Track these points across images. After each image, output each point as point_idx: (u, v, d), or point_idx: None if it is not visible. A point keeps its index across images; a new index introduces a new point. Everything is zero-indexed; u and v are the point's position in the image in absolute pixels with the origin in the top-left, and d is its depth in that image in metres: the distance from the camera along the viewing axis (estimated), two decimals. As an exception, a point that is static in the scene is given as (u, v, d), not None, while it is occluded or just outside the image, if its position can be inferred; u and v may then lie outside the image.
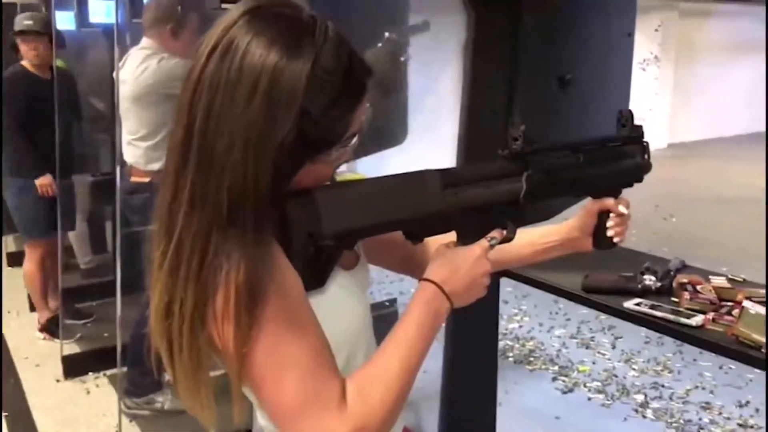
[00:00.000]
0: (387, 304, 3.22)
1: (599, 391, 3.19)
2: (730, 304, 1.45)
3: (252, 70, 0.76)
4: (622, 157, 1.10)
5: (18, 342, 3.61)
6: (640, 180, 1.14)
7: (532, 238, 1.15)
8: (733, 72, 10.22)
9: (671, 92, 9.79)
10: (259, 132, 0.76)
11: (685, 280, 1.54)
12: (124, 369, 2.86)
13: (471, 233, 0.93)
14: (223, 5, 1.99)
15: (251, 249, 0.76)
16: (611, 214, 1.11)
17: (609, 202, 1.10)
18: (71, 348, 3.46)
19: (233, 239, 0.76)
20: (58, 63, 3.58)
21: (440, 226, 0.92)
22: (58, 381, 3.26)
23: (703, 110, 10.14)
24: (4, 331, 3.59)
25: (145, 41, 2.87)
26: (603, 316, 3.68)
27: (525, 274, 1.70)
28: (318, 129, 0.78)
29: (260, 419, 0.96)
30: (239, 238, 0.76)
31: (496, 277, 1.76)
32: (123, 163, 2.87)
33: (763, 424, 2.90)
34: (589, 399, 3.14)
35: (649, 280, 1.57)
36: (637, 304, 1.50)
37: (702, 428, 2.89)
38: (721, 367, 3.29)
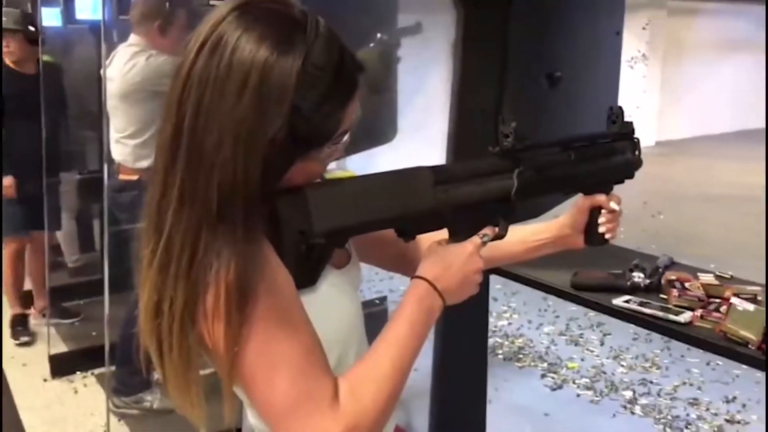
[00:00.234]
0: (377, 302, 3.22)
1: (588, 388, 3.21)
2: (718, 300, 1.45)
3: (242, 66, 0.75)
4: (613, 154, 1.10)
5: (4, 341, 3.58)
6: (631, 176, 1.14)
7: (524, 236, 1.15)
8: (721, 70, 10.29)
9: (659, 90, 9.86)
10: (249, 128, 0.75)
11: (673, 277, 1.55)
12: (113, 368, 2.84)
13: (463, 230, 0.92)
14: (212, 1, 1.98)
15: (241, 247, 0.75)
16: (603, 211, 1.10)
17: (600, 198, 1.10)
18: (58, 347, 3.43)
19: (223, 237, 0.75)
20: (45, 57, 3.55)
21: (432, 224, 0.92)
22: (45, 380, 3.24)
23: (691, 108, 10.21)
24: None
25: (132, 38, 2.85)
26: (592, 313, 3.69)
27: (514, 271, 1.71)
28: (309, 125, 0.78)
29: (250, 418, 0.95)
30: (229, 235, 0.75)
31: (486, 274, 1.77)
32: (111, 161, 2.85)
33: (750, 420, 2.93)
34: (578, 396, 3.15)
35: (638, 277, 1.58)
36: (626, 301, 1.50)
37: (689, 424, 2.91)
38: (708, 364, 3.31)
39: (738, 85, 10.24)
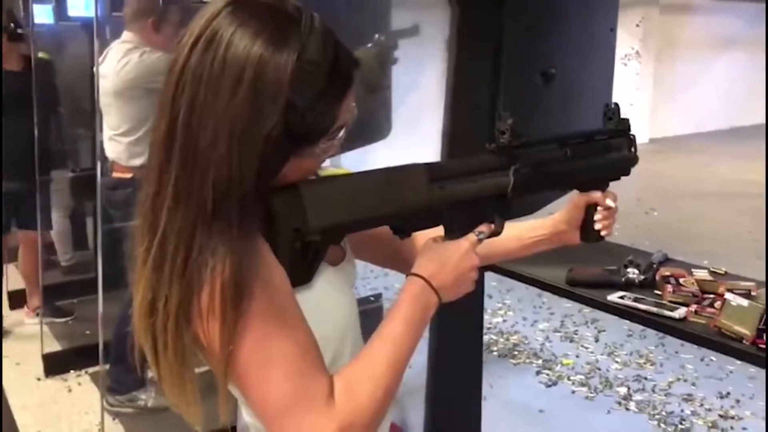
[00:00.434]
0: (372, 299, 3.22)
1: (583, 384, 3.21)
2: (712, 296, 1.46)
3: (236, 62, 0.75)
4: (609, 151, 1.10)
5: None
6: (627, 173, 1.14)
7: (520, 233, 1.15)
8: (714, 67, 10.32)
9: (652, 87, 9.87)
10: (244, 125, 0.75)
11: (667, 273, 1.55)
12: (107, 366, 2.83)
13: (458, 228, 0.92)
14: (205, -1, 1.97)
15: (236, 244, 0.75)
16: (599, 208, 1.11)
17: (596, 195, 1.10)
18: (52, 346, 3.42)
19: (218, 235, 0.75)
20: (40, 54, 3.53)
21: (427, 221, 0.92)
22: (39, 379, 3.23)
23: (684, 105, 10.24)
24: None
25: (126, 35, 2.84)
26: (586, 310, 3.70)
27: (509, 268, 1.71)
28: (304, 122, 0.77)
29: (245, 416, 0.95)
30: (224, 233, 0.75)
31: (481, 271, 1.77)
32: (104, 159, 2.84)
33: (743, 415, 2.94)
34: (573, 392, 3.16)
35: (633, 273, 1.59)
36: (621, 297, 1.51)
37: (684, 419, 2.92)
38: (702, 359, 3.32)
39: (731, 83, 10.27)
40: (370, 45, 2.17)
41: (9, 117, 3.36)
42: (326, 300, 0.90)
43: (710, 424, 2.89)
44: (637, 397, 3.10)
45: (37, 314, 3.62)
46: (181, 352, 0.79)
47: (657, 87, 9.90)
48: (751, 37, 10.06)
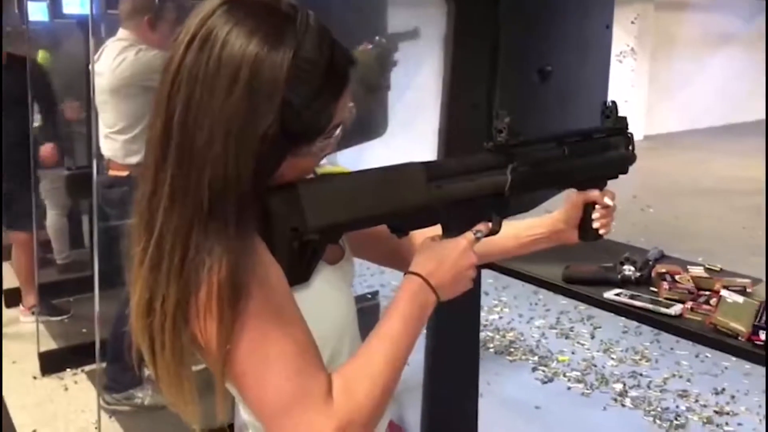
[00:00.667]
0: (369, 296, 3.23)
1: (579, 381, 3.22)
2: (707, 293, 1.46)
3: (232, 61, 0.75)
4: (607, 149, 1.10)
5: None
6: (625, 171, 1.14)
7: (518, 231, 1.15)
8: (709, 64, 10.34)
9: (648, 84, 9.89)
10: (240, 124, 0.75)
11: (663, 270, 1.56)
12: (103, 364, 2.83)
13: (456, 226, 0.92)
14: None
15: (233, 244, 0.75)
16: (597, 206, 1.11)
17: (594, 194, 1.10)
18: (48, 344, 3.41)
19: (215, 234, 0.75)
20: (40, 56, 3.51)
21: (425, 220, 0.92)
22: (35, 378, 3.22)
23: (680, 102, 10.25)
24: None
25: (121, 32, 2.83)
26: (582, 307, 3.71)
27: (505, 265, 1.71)
28: (301, 120, 0.77)
29: (243, 414, 0.95)
30: (221, 232, 0.75)
31: (478, 268, 1.77)
32: (100, 157, 2.83)
33: (738, 411, 2.96)
34: (569, 388, 3.17)
35: (629, 270, 1.59)
36: (617, 295, 1.51)
37: (679, 415, 2.94)
38: (697, 356, 3.34)
39: (727, 80, 10.28)
40: (371, 46, 2.17)
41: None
42: (324, 299, 0.90)
43: (705, 420, 2.90)
44: (633, 393, 3.12)
45: (33, 312, 3.61)
46: (179, 352, 0.79)
47: (652, 84, 9.92)
48: (746, 33, 10.08)
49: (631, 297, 1.49)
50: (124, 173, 2.82)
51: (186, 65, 0.76)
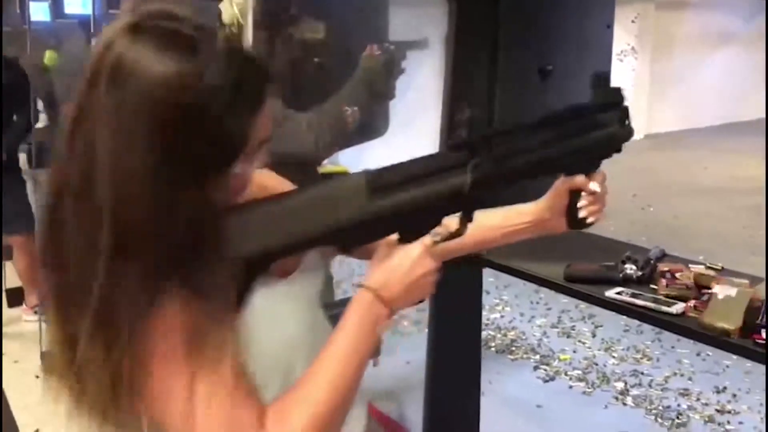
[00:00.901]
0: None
1: (580, 380, 3.23)
2: (710, 291, 1.47)
3: (137, 90, 0.71)
4: (592, 129, 0.99)
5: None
6: (618, 150, 1.02)
7: (500, 221, 1.09)
8: (709, 63, 10.33)
9: (648, 83, 9.88)
10: (147, 160, 0.71)
11: (665, 269, 1.56)
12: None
13: (413, 234, 0.85)
14: (203, -3, 1.97)
15: (141, 303, 0.72)
16: (583, 193, 1.02)
17: (578, 180, 1.01)
18: (51, 344, 3.41)
19: (123, 288, 0.72)
20: (46, 58, 3.51)
21: (374, 233, 0.85)
22: (38, 377, 3.22)
23: (680, 101, 10.25)
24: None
25: (122, 33, 2.83)
26: (583, 306, 3.71)
27: (507, 264, 1.71)
28: (213, 144, 0.73)
29: None
30: (130, 291, 0.72)
31: (478, 267, 1.78)
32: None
33: (740, 409, 2.96)
34: (570, 387, 3.17)
35: (630, 269, 1.59)
36: (619, 293, 1.51)
37: (680, 414, 2.94)
38: (698, 354, 3.34)
39: (727, 79, 10.28)
40: (379, 52, 2.16)
41: None
42: (269, 316, 0.86)
43: (707, 419, 2.91)
44: (634, 392, 3.12)
45: (36, 312, 3.61)
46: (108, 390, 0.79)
47: (653, 83, 9.92)
48: (746, 33, 10.09)
49: (633, 296, 1.50)
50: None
51: (90, 100, 0.73)
